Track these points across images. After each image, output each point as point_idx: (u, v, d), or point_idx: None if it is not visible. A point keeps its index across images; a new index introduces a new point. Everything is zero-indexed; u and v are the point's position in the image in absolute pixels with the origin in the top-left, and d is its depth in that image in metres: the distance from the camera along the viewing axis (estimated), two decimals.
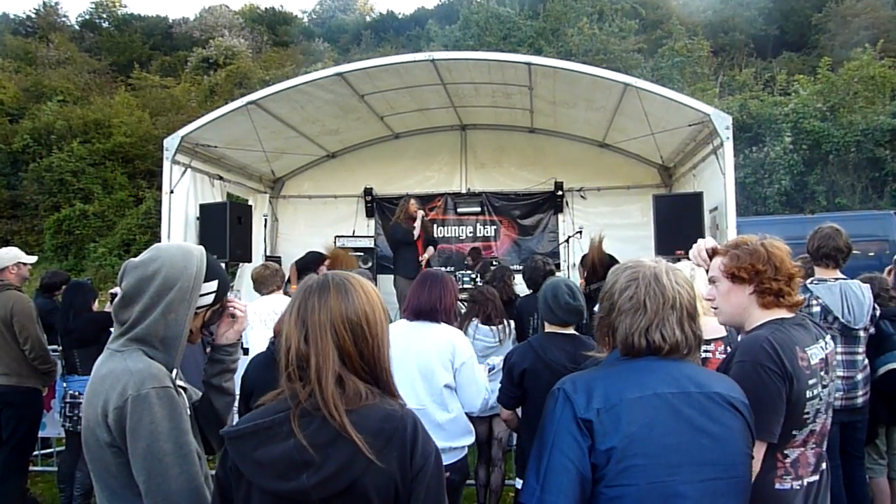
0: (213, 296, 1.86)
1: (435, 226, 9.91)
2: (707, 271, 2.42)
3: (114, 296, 5.29)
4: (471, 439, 3.48)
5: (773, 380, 2.05)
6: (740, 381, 1.95)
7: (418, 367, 3.29)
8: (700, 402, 1.65)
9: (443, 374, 3.32)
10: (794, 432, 2.13)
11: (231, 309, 2.03)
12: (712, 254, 2.41)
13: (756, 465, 1.96)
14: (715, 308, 2.35)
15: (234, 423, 1.66)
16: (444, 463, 3.13)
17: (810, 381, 2.13)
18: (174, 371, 1.81)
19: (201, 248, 1.91)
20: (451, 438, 3.31)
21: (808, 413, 2.13)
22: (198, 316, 1.85)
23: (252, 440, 1.54)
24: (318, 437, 1.51)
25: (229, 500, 1.59)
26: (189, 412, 1.79)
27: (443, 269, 8.21)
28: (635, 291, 1.73)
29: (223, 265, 7.85)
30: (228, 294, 2.00)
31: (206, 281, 1.82)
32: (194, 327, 1.85)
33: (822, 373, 2.19)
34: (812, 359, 2.16)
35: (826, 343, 2.28)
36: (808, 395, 2.12)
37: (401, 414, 1.59)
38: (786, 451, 2.14)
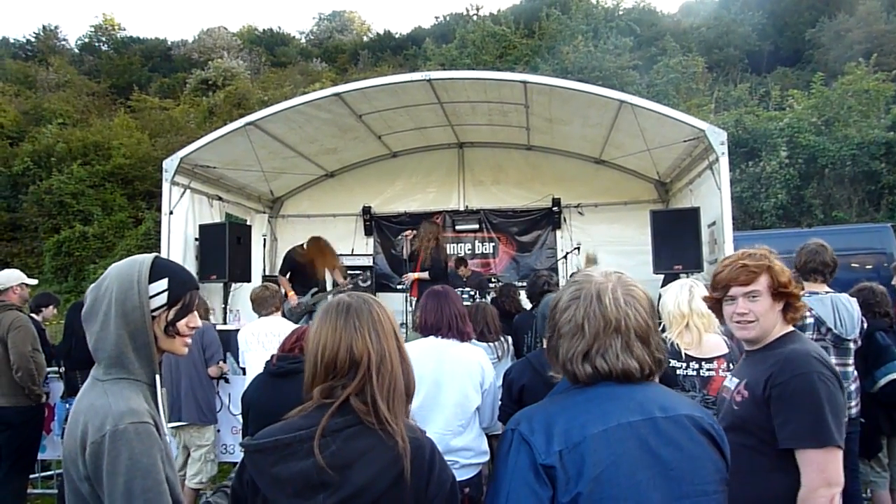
0: (165, 294, 1.78)
1: None
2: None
3: None
4: (487, 456, 3.48)
5: (835, 387, 2.14)
6: (807, 394, 2.09)
7: (453, 390, 3.30)
8: (667, 429, 1.49)
9: (475, 397, 3.35)
10: None
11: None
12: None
13: (827, 475, 2.06)
14: (750, 322, 2.31)
15: (257, 435, 1.66)
16: (464, 478, 3.20)
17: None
18: (157, 382, 1.79)
19: (153, 254, 1.88)
20: (472, 457, 3.34)
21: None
22: (158, 319, 1.78)
23: (271, 455, 1.54)
24: (337, 458, 1.50)
25: None
26: (164, 445, 1.75)
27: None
28: (574, 312, 1.55)
29: (219, 282, 7.82)
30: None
31: (152, 281, 1.77)
32: (158, 330, 1.78)
33: None
34: None
35: None
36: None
37: (420, 439, 1.59)
38: None
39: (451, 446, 3.22)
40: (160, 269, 1.80)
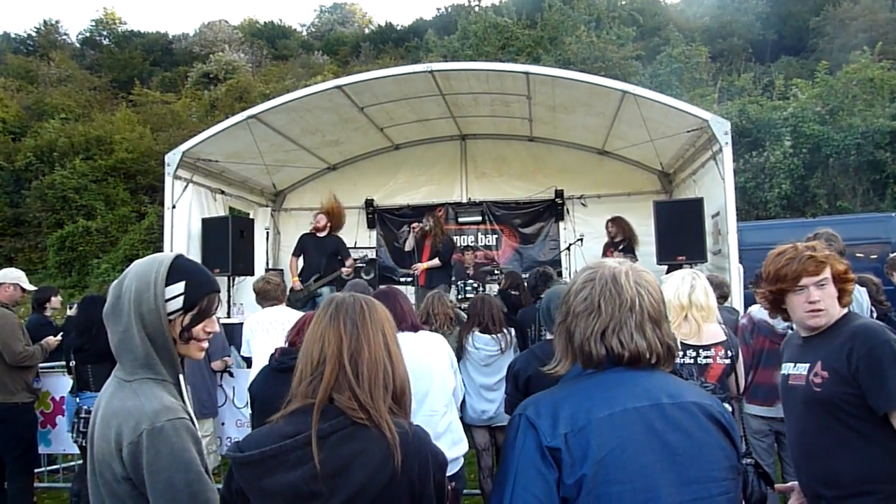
0: (181, 298, 1.73)
1: None
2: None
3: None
4: (465, 447, 3.62)
5: None
6: (892, 357, 2.16)
7: (433, 377, 3.45)
8: (674, 415, 1.49)
9: (451, 378, 3.59)
10: None
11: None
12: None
13: None
14: (822, 311, 2.37)
15: (241, 443, 1.64)
16: (448, 473, 3.21)
17: None
18: (181, 380, 1.77)
19: (174, 253, 1.84)
20: (451, 446, 3.42)
21: None
22: (174, 323, 1.74)
23: (258, 468, 1.52)
24: (326, 467, 1.48)
25: None
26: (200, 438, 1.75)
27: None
28: (590, 292, 1.57)
29: (222, 276, 7.82)
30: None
31: (169, 284, 1.72)
32: (174, 334, 1.74)
33: None
34: None
35: None
36: None
37: (409, 431, 1.59)
38: None
39: (437, 431, 3.32)
40: (178, 270, 1.75)
